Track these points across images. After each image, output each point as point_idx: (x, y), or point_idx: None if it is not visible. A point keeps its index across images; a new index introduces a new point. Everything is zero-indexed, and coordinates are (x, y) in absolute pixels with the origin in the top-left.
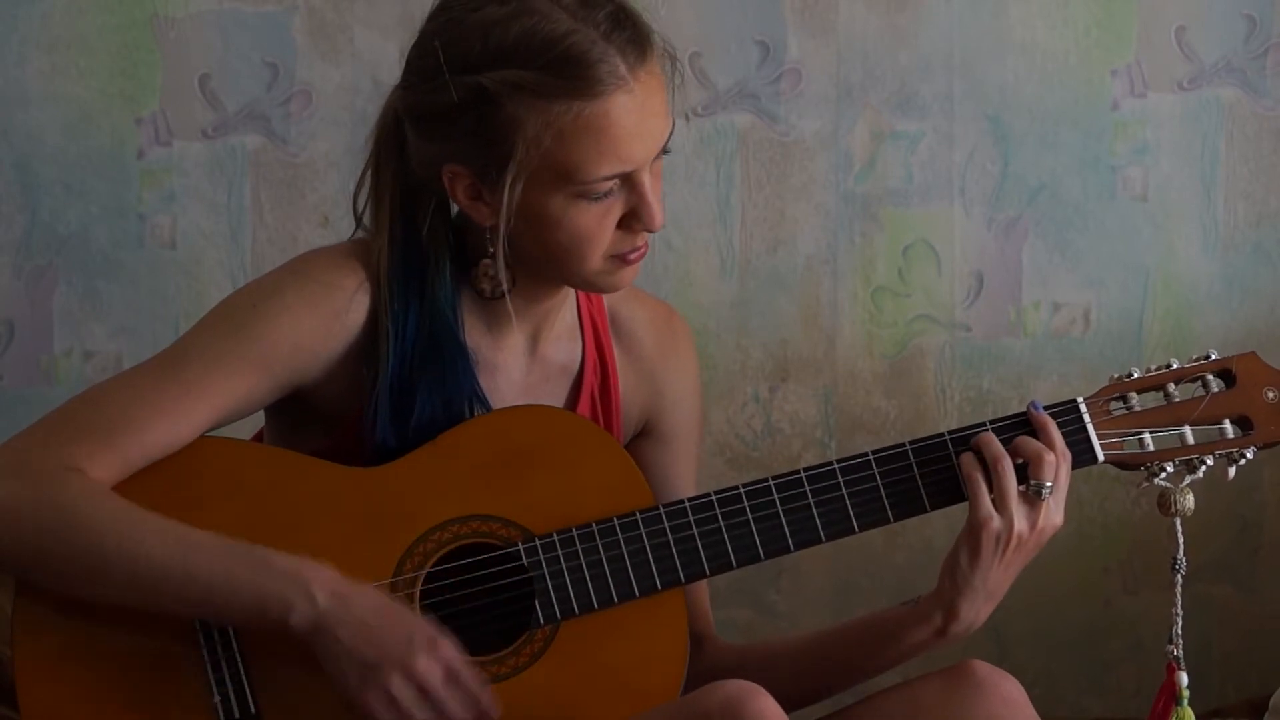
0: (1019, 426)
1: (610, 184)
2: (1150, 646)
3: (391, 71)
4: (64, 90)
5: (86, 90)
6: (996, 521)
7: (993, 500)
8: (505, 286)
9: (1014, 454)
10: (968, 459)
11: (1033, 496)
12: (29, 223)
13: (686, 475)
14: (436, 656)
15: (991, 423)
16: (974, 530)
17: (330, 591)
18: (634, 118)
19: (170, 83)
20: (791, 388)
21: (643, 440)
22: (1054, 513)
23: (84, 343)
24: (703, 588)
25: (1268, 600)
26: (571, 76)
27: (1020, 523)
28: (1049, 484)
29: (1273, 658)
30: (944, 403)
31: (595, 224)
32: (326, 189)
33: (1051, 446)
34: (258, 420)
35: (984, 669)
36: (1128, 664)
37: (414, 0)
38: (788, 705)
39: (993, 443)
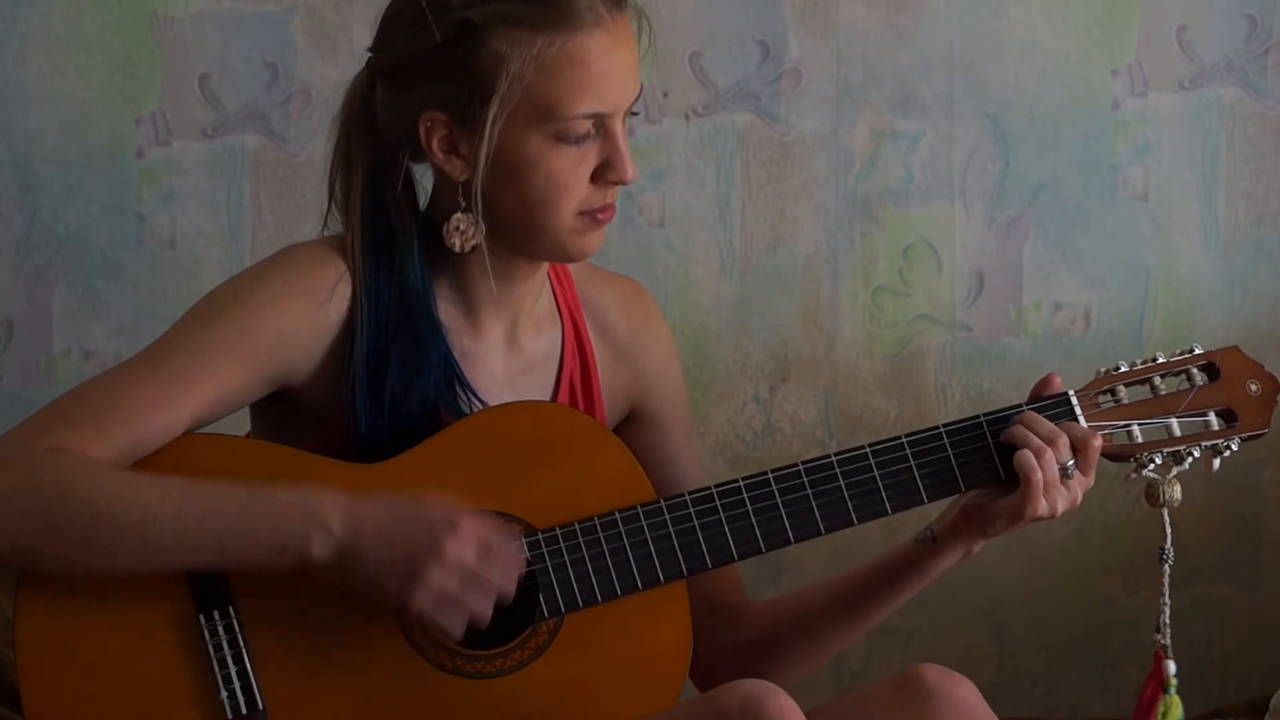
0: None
1: (587, 125)
2: (1151, 646)
3: None
4: (63, 90)
5: (86, 90)
6: (1043, 509)
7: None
8: (479, 236)
9: (1032, 429)
10: (1026, 459)
11: (1063, 477)
12: (28, 222)
13: (688, 455)
14: (462, 536)
15: (985, 415)
16: (1018, 514)
17: (342, 514)
18: (612, 57)
19: (170, 82)
20: (791, 388)
21: (635, 427)
22: (1086, 481)
23: (83, 342)
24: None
25: (1269, 600)
26: (555, 8)
27: (1060, 504)
28: (1070, 462)
29: (1273, 658)
30: (944, 403)
31: (570, 169)
32: (326, 188)
33: (1066, 432)
34: (243, 422)
35: (935, 674)
36: (1128, 664)
37: None
38: (821, 652)
39: (1031, 438)
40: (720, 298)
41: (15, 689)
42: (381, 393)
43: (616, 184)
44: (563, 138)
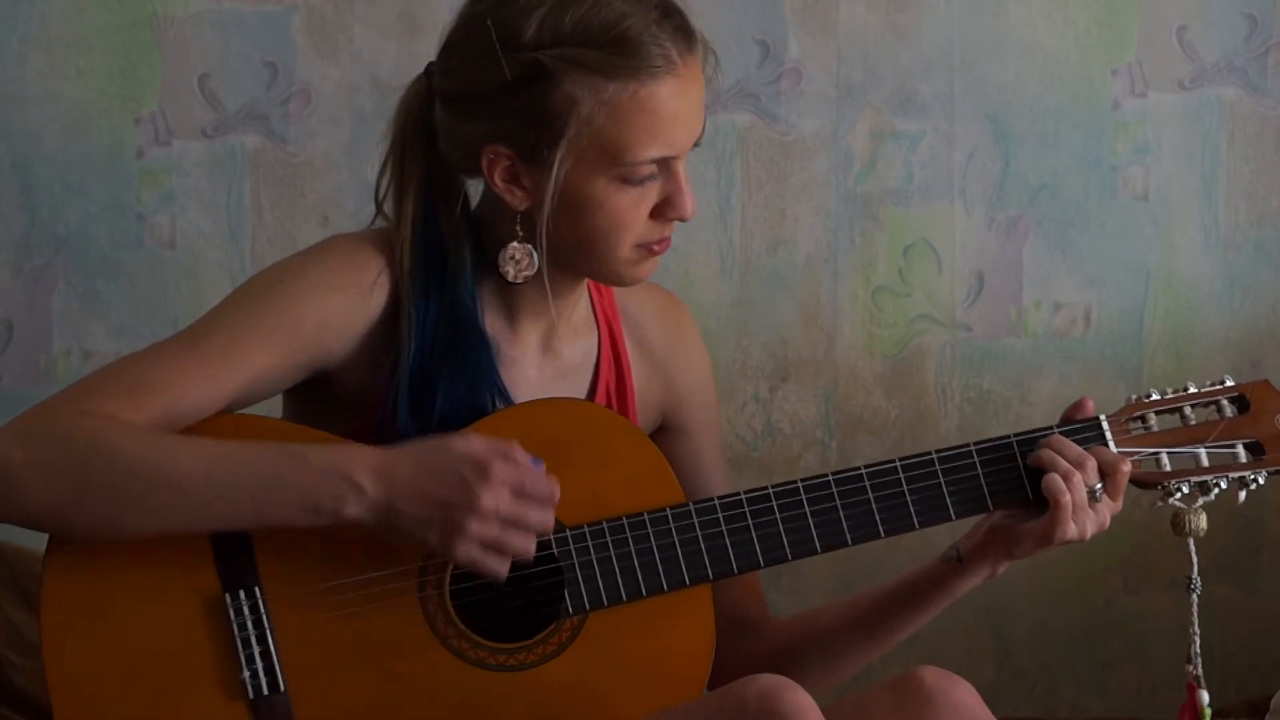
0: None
1: (652, 168)
2: (1151, 646)
3: (391, 71)
4: (63, 90)
5: (85, 90)
6: (1073, 533)
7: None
8: (540, 264)
9: (1059, 452)
10: (1055, 482)
11: (1092, 500)
12: (28, 222)
13: (714, 465)
14: (495, 482)
15: (1015, 435)
16: (1047, 537)
17: (373, 474)
18: (681, 102)
19: (170, 82)
20: (791, 388)
21: (664, 436)
22: (1114, 506)
23: (83, 342)
24: (753, 574)
25: (1269, 600)
26: (629, 55)
27: (1089, 527)
28: (1098, 485)
29: (1274, 657)
30: (944, 403)
31: (631, 209)
32: (326, 188)
33: (1095, 456)
34: (275, 409)
35: (933, 676)
36: (1128, 663)
37: (414, 0)
38: (841, 668)
39: (1059, 461)
40: (720, 298)
41: (15, 689)
42: (428, 407)
43: (676, 220)
44: (627, 180)
